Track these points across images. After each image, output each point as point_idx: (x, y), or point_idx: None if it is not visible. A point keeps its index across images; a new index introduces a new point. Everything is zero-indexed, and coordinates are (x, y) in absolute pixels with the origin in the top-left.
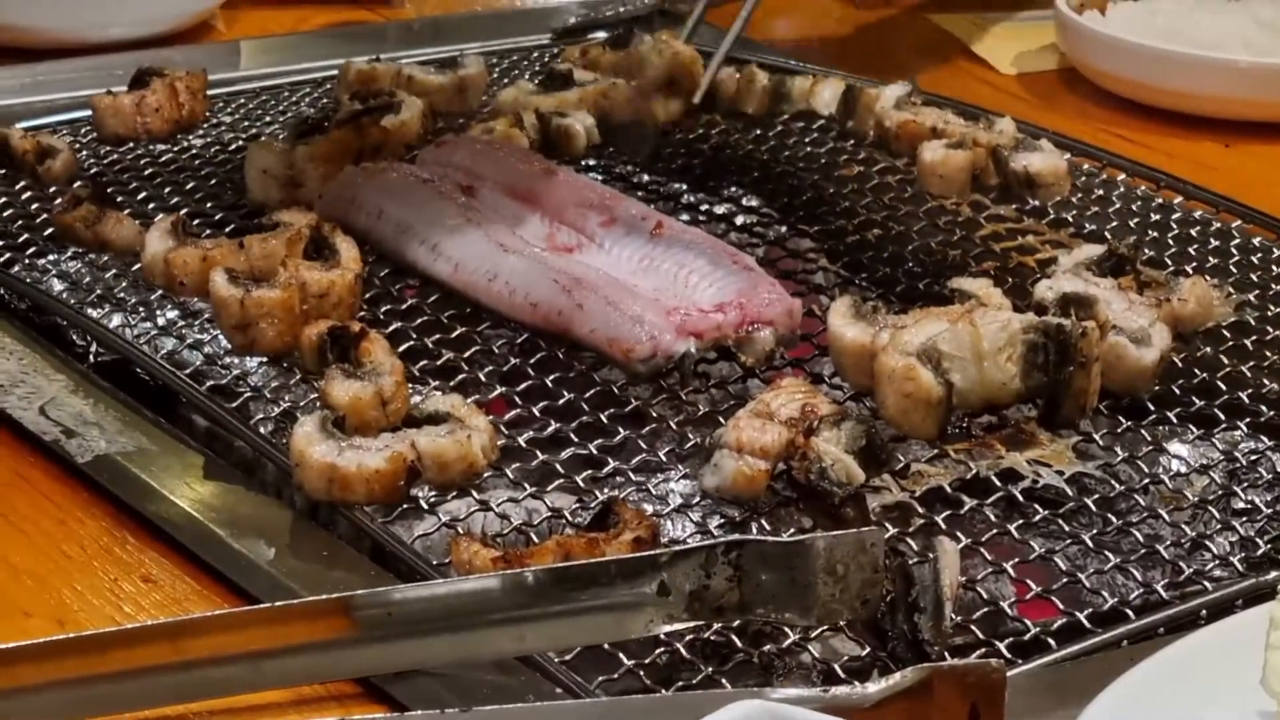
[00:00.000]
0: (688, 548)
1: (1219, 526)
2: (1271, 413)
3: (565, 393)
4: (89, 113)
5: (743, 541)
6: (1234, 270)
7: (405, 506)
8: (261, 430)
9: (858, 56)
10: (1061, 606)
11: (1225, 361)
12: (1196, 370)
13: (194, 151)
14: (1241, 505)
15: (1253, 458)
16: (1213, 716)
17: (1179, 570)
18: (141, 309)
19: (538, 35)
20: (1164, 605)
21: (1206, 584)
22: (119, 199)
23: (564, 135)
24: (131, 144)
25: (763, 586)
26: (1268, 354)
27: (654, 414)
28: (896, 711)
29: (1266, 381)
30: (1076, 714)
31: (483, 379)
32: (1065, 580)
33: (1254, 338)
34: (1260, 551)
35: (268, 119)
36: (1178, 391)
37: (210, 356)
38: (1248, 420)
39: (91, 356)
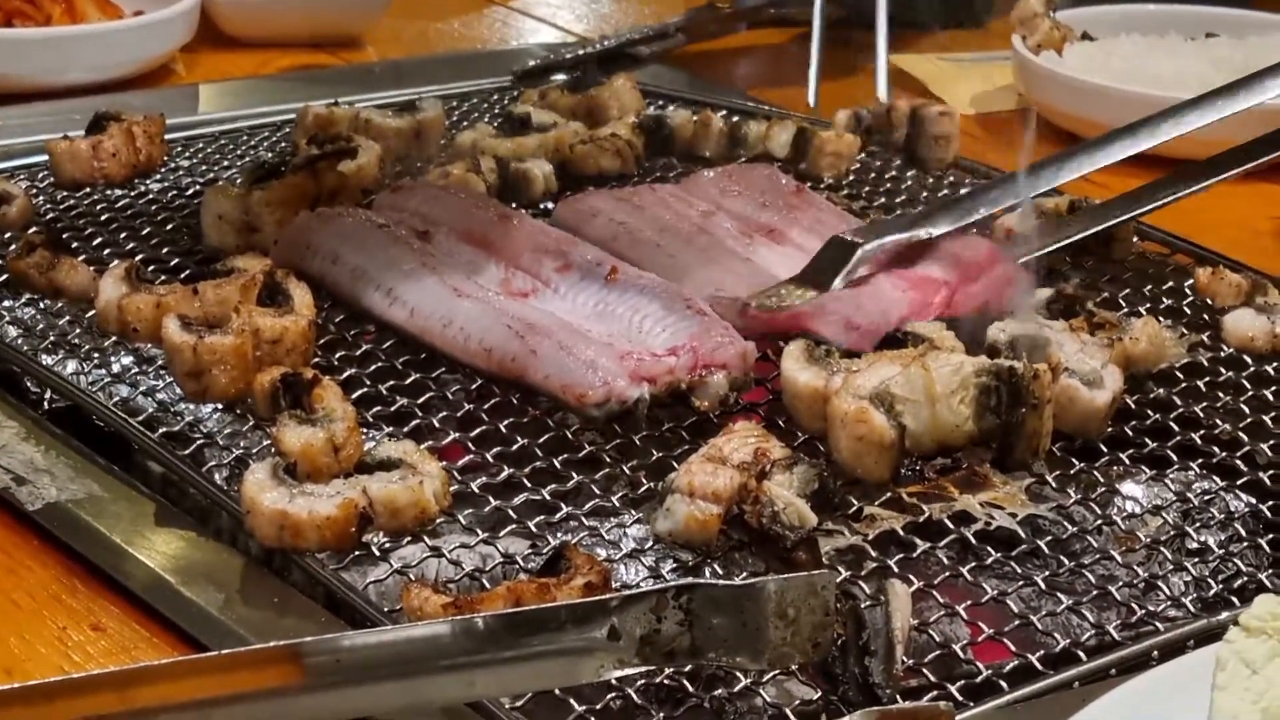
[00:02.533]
0: (638, 592)
1: (1172, 567)
2: (1224, 454)
3: (519, 438)
4: (45, 158)
5: (693, 585)
6: (1187, 311)
7: (358, 553)
8: (214, 477)
9: (820, 100)
10: (1013, 648)
11: (1178, 402)
12: (1149, 411)
13: (150, 196)
14: (1194, 545)
15: (1205, 498)
16: None
17: (1131, 611)
18: (95, 355)
19: (498, 77)
20: (1116, 646)
21: (1159, 624)
22: (74, 245)
23: (522, 179)
24: (88, 189)
25: (714, 630)
26: (1220, 395)
27: (607, 459)
28: None
29: (1219, 422)
30: None
31: (437, 424)
32: (1018, 622)
33: (1206, 379)
34: (1212, 592)
35: (225, 163)
36: (1130, 433)
37: (163, 403)
38: (1200, 461)
39: (46, 403)
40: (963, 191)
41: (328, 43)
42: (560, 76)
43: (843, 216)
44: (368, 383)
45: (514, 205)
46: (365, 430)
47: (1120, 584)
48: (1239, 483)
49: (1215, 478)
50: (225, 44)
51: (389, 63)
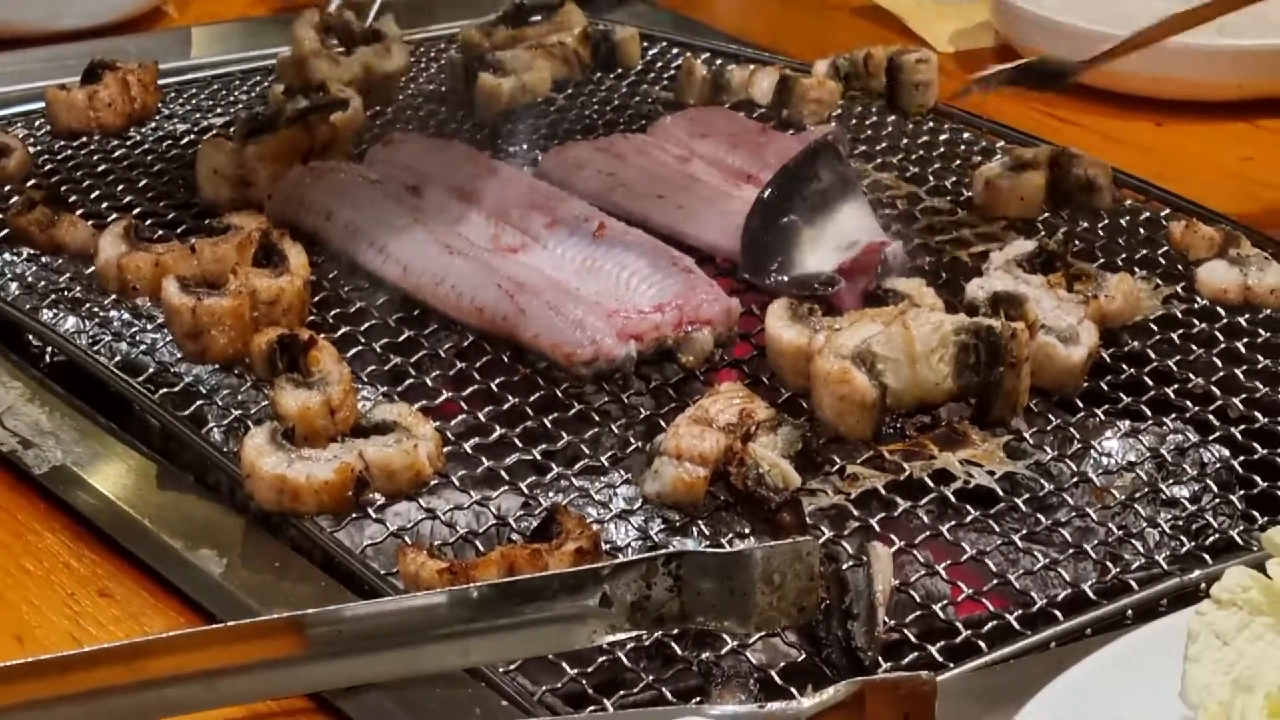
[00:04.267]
0: (628, 560)
1: (1146, 524)
2: (1196, 408)
3: (510, 397)
4: (42, 105)
5: (682, 553)
6: (1162, 262)
7: (354, 515)
8: (214, 439)
9: (799, 38)
10: (991, 608)
11: (1152, 356)
12: (1124, 365)
13: (146, 146)
14: (1167, 501)
15: (1178, 453)
16: None
17: (1106, 569)
18: (96, 313)
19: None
20: (1091, 605)
21: (1133, 582)
22: (73, 198)
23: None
24: (84, 138)
25: (702, 595)
26: (1193, 348)
27: (596, 417)
28: None
29: (1192, 376)
30: None
31: (430, 383)
32: (996, 581)
33: (1180, 331)
34: (1185, 549)
35: (218, 110)
36: (1106, 387)
37: (163, 362)
38: (1173, 415)
39: (48, 357)
40: None
41: None
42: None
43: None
44: (362, 341)
45: None
46: (361, 388)
47: (1096, 541)
48: (1211, 437)
49: (1189, 432)
50: None
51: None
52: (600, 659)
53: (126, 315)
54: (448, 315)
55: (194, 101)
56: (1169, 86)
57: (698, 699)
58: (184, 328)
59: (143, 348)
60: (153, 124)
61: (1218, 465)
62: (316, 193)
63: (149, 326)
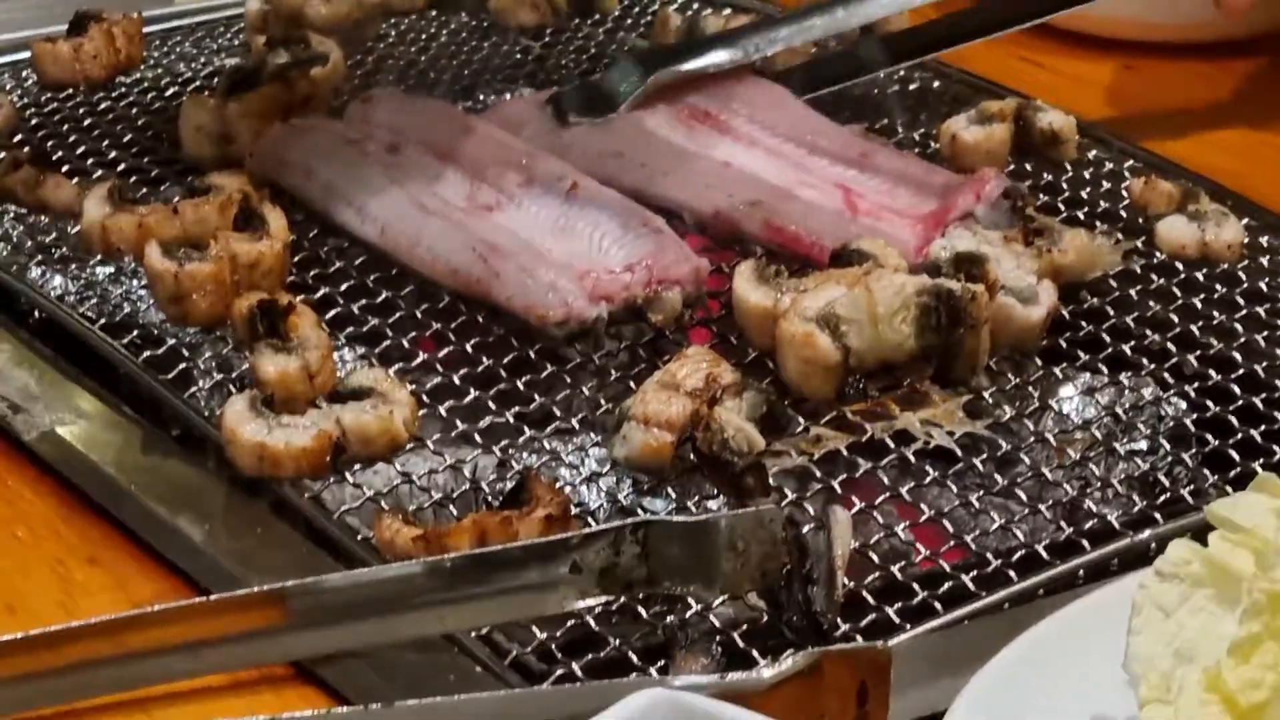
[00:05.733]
0: (597, 530)
1: (1099, 483)
2: (1153, 364)
3: (484, 358)
4: (28, 54)
5: (649, 522)
6: (1123, 215)
7: (332, 479)
8: (197, 403)
9: None
10: (948, 569)
11: (1110, 312)
12: (1083, 322)
13: (131, 99)
14: (1121, 459)
15: (1134, 411)
16: (1091, 689)
17: (1060, 529)
18: (80, 274)
19: None
20: (1045, 565)
21: (1085, 543)
22: (59, 153)
23: None
24: (71, 89)
25: (668, 562)
26: (1150, 304)
27: (569, 379)
28: (789, 693)
29: (1149, 332)
30: (959, 682)
31: (406, 345)
32: (953, 542)
33: (1138, 287)
34: (1136, 509)
35: (202, 60)
36: (1065, 344)
37: (146, 325)
38: (1130, 373)
39: (35, 314)
40: (751, 26)
41: None
42: None
43: (771, 90)
44: (340, 302)
45: None
46: (340, 345)
47: (1051, 500)
48: (1167, 394)
49: (1144, 389)
50: None
51: None
52: (569, 623)
53: (112, 274)
54: (424, 276)
55: (179, 50)
56: (1135, 29)
57: (662, 661)
58: (167, 292)
59: (127, 309)
60: (137, 74)
61: (1172, 423)
62: (296, 152)
63: (134, 285)
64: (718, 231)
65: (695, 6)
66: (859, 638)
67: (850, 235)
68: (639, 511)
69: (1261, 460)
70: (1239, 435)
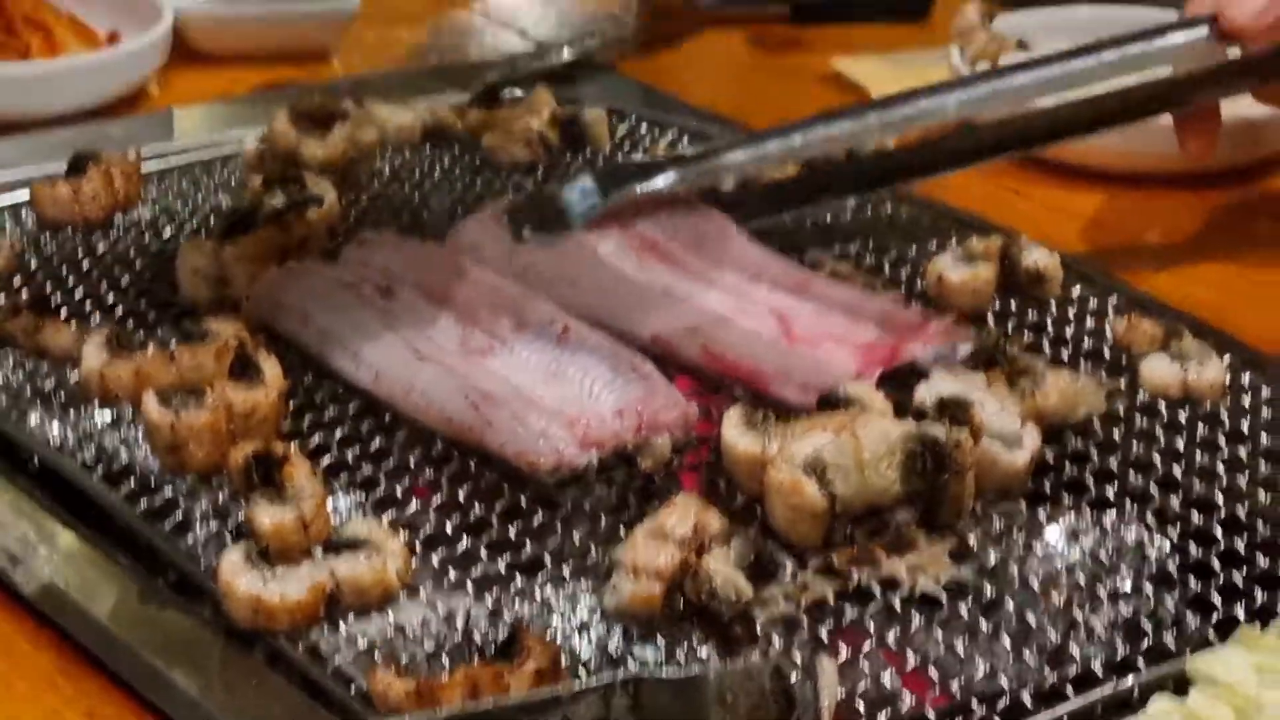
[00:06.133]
0: (588, 687)
1: (1083, 629)
2: (1135, 508)
3: (477, 505)
4: (27, 194)
5: (640, 679)
6: (1108, 355)
7: (326, 629)
8: (194, 552)
9: (765, 106)
10: (933, 717)
11: (1094, 456)
12: (1067, 465)
13: (129, 240)
14: (1106, 605)
15: (1116, 555)
16: None
17: (1044, 675)
18: (78, 421)
19: (461, 92)
20: (1028, 713)
21: (1069, 689)
22: (58, 295)
23: None
24: (70, 229)
25: (659, 715)
26: (1134, 445)
27: (560, 526)
28: None
29: (1132, 474)
30: None
31: (399, 494)
32: (938, 690)
33: (1122, 428)
34: (1119, 655)
35: (200, 196)
36: (1049, 488)
37: (144, 473)
38: (1113, 517)
39: (34, 460)
40: (709, 146)
41: (296, 56)
42: (517, 91)
43: (717, 221)
44: (335, 449)
45: None
46: (334, 492)
47: (1035, 646)
48: (1149, 538)
49: (1127, 534)
50: (194, 60)
51: (351, 79)
52: None
53: (110, 421)
54: (418, 422)
55: (176, 189)
56: (1117, 160)
57: None
58: (163, 442)
59: (125, 456)
60: (135, 213)
61: (1154, 566)
62: (292, 296)
63: (131, 434)
64: (658, 355)
65: (685, 141)
66: None
67: (788, 362)
68: (629, 660)
69: (1243, 603)
70: (1221, 579)
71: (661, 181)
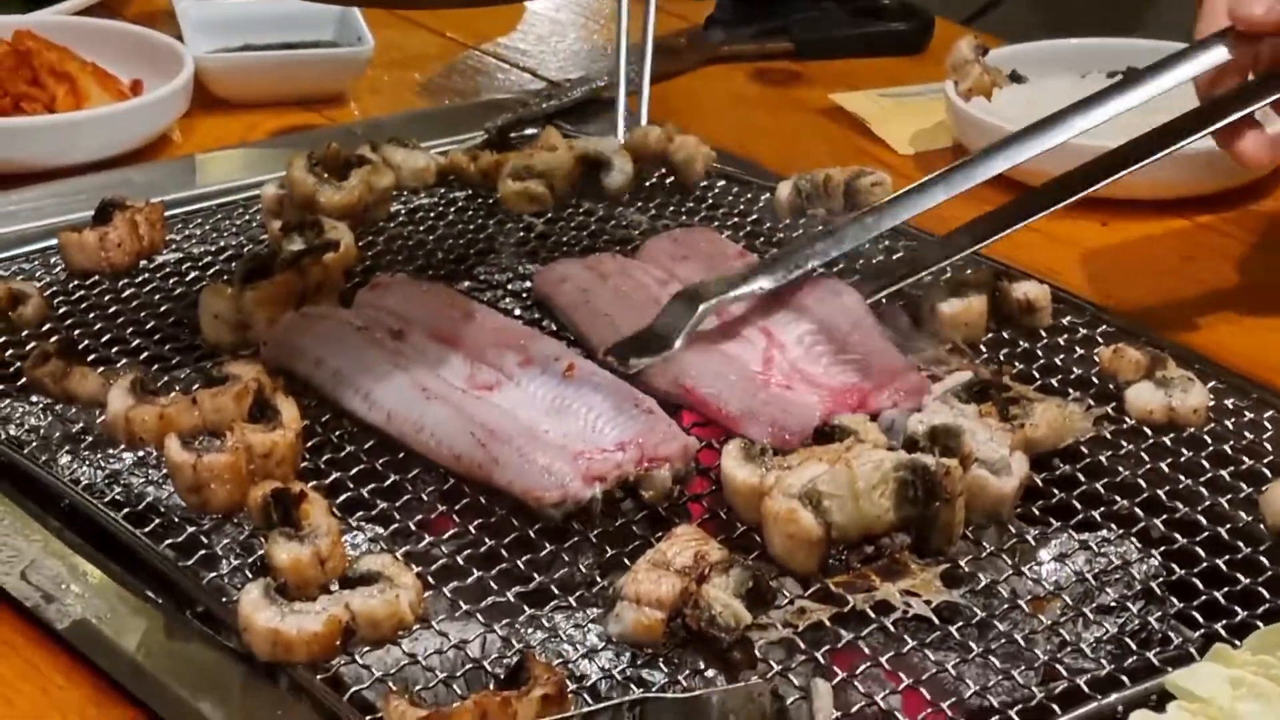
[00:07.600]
0: (596, 708)
1: (1071, 651)
2: (1120, 531)
3: (487, 539)
4: (55, 242)
5: (644, 699)
6: (1095, 382)
7: (343, 661)
8: (218, 585)
9: (771, 142)
10: None
11: (1081, 480)
12: (1055, 489)
13: (154, 285)
14: (1093, 624)
15: (1102, 577)
16: None
17: (1032, 695)
18: (105, 463)
19: (473, 133)
20: None
21: (1056, 707)
22: (86, 341)
23: None
24: (97, 276)
25: None
26: (1120, 469)
27: (566, 558)
28: None
29: (1118, 498)
30: None
31: (413, 527)
32: (930, 710)
33: (1109, 453)
34: (1105, 672)
35: (222, 242)
36: (1038, 512)
37: (168, 511)
38: (1099, 540)
39: (65, 501)
40: (789, 245)
41: (314, 100)
42: (531, 130)
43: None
44: (351, 486)
45: None
46: (350, 530)
47: (1024, 666)
48: (1135, 559)
49: (1113, 556)
50: (214, 106)
51: (370, 122)
52: None
53: (133, 463)
54: (428, 459)
55: (199, 234)
56: (1113, 188)
57: None
58: (186, 483)
59: (149, 499)
60: (159, 258)
61: (1140, 586)
62: (307, 340)
63: (155, 475)
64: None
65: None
66: None
67: (754, 404)
68: (635, 684)
69: (1225, 621)
70: (1204, 597)
71: (746, 289)
